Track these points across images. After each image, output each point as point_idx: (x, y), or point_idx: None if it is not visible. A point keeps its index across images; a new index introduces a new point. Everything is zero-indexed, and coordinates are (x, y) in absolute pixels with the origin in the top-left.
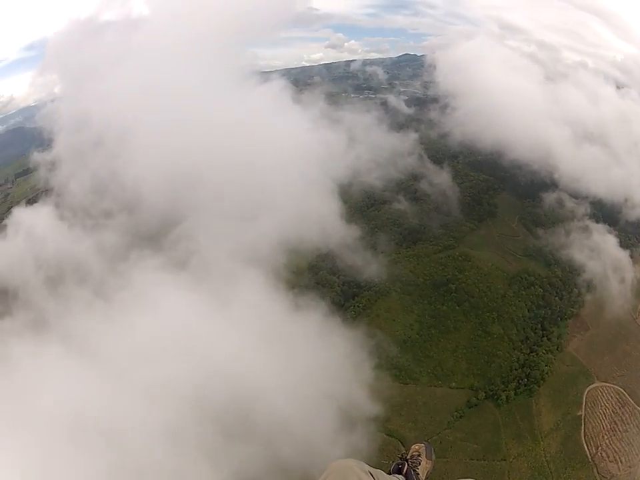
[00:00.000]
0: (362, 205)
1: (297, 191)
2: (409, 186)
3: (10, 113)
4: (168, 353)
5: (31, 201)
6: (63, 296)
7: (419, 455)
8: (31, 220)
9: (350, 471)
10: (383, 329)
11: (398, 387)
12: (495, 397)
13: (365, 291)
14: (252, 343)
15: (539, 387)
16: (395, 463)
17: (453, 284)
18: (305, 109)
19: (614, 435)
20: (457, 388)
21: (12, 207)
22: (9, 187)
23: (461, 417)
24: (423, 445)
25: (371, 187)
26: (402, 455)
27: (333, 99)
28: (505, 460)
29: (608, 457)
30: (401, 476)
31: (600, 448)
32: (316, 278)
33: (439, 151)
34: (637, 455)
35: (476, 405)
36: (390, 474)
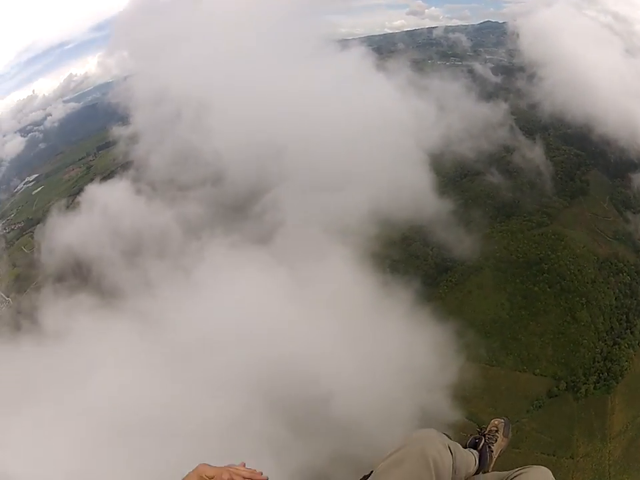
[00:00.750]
0: (454, 176)
1: (387, 160)
2: (501, 158)
3: (86, 90)
4: (239, 336)
5: (111, 174)
6: (139, 270)
7: (496, 431)
8: (108, 193)
9: (429, 442)
10: (474, 306)
11: (483, 368)
12: (575, 389)
13: (458, 265)
14: (332, 326)
15: (617, 383)
16: (472, 437)
17: (546, 264)
18: (390, 77)
19: None
20: (540, 375)
21: (94, 178)
22: (91, 159)
23: (540, 406)
24: (502, 420)
25: (463, 157)
26: (480, 429)
27: (418, 66)
28: (572, 458)
29: None
30: (475, 451)
31: None
32: (409, 250)
33: (529, 122)
34: None
35: (556, 396)
36: (465, 447)
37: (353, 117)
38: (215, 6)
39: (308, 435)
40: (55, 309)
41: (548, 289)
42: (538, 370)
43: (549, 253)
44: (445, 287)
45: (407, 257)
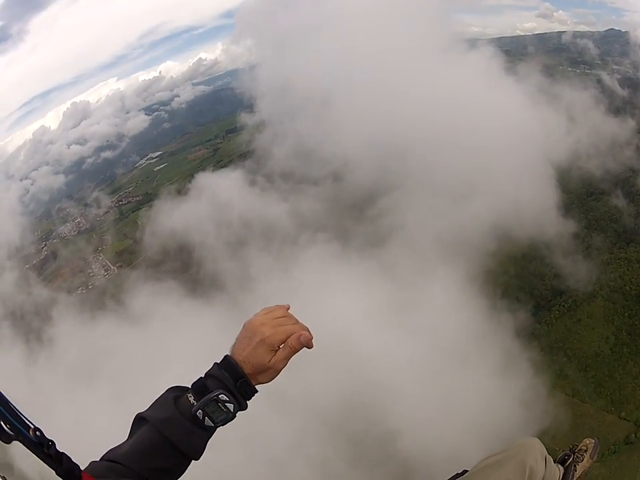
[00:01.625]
0: (580, 194)
1: (512, 170)
2: (626, 179)
3: (217, 74)
4: (320, 353)
5: (232, 161)
6: (240, 263)
7: (585, 451)
8: (220, 181)
9: (532, 450)
10: (581, 336)
11: (575, 404)
12: None
13: (572, 290)
14: (422, 357)
15: None
16: (562, 452)
17: None
18: (520, 81)
19: None
20: (624, 419)
21: (221, 160)
22: (219, 141)
23: (614, 452)
24: (593, 441)
25: (590, 174)
26: (572, 447)
27: (548, 72)
28: None
29: None
30: (562, 467)
31: None
32: (528, 268)
33: None
34: None
35: (632, 443)
36: (555, 462)
37: (479, 121)
38: (342, 0)
39: (367, 467)
40: (146, 292)
41: None
42: (624, 413)
43: None
44: (557, 312)
45: (524, 275)
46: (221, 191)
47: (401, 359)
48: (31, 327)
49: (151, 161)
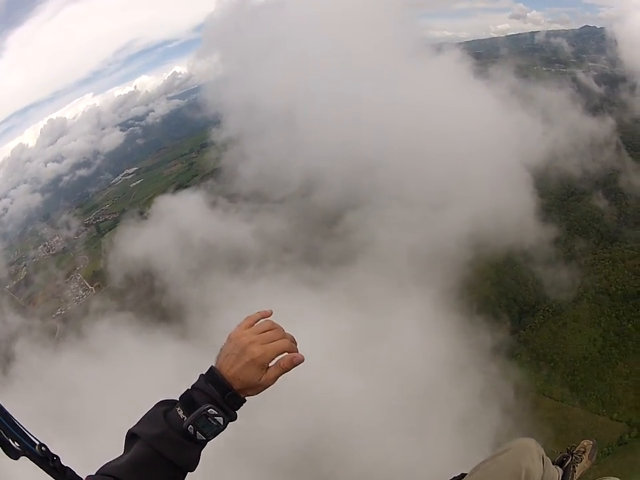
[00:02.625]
0: (560, 194)
1: (487, 176)
2: (607, 177)
3: (191, 87)
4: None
5: (205, 178)
6: (205, 288)
7: (583, 452)
8: (182, 203)
9: (528, 451)
10: (567, 340)
11: (565, 408)
12: None
13: (556, 294)
14: (397, 390)
15: None
16: (561, 454)
17: None
18: (492, 84)
19: None
20: (616, 420)
21: (196, 175)
22: (194, 155)
23: (609, 453)
24: (591, 442)
25: (569, 175)
26: (570, 448)
27: (522, 72)
28: None
29: None
30: (560, 469)
31: None
32: (511, 273)
33: (634, 137)
34: None
35: (625, 443)
36: (553, 463)
37: (451, 127)
38: (308, 7)
39: None
40: (107, 323)
41: None
42: (616, 414)
43: None
44: (542, 317)
45: (506, 282)
46: (182, 214)
47: (368, 398)
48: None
49: (127, 177)
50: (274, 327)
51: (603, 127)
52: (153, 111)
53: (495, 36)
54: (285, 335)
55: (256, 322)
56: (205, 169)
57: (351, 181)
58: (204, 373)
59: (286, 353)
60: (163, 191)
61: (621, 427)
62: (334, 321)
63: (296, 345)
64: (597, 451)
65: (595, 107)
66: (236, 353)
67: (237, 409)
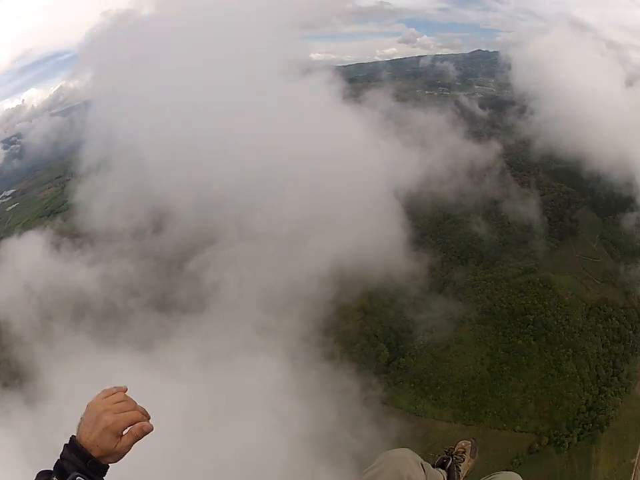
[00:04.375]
0: (435, 218)
1: (355, 206)
2: (487, 198)
3: (74, 104)
4: None
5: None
6: (47, 341)
7: (463, 452)
8: (25, 247)
9: (404, 461)
10: (452, 362)
11: (460, 428)
12: (558, 443)
13: (435, 318)
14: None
15: (602, 432)
16: (439, 457)
17: (532, 314)
18: (365, 108)
19: None
20: (521, 431)
21: (66, 200)
22: (67, 178)
23: (520, 463)
24: (469, 442)
25: (443, 200)
26: (448, 450)
27: (401, 96)
28: None
29: None
30: (443, 471)
31: None
32: (384, 301)
33: (518, 158)
34: None
35: (537, 452)
36: (434, 467)
37: (315, 155)
38: (185, 22)
39: None
40: None
41: (533, 342)
42: (519, 426)
43: (536, 302)
44: (421, 342)
45: (378, 311)
46: (26, 258)
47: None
48: None
49: (3, 200)
50: (126, 399)
51: (485, 151)
52: (34, 129)
53: (380, 59)
54: (135, 407)
55: (112, 394)
56: (67, 199)
57: (203, 216)
58: (67, 442)
59: (138, 423)
60: (39, 216)
61: (528, 437)
62: (176, 391)
63: (149, 418)
64: (477, 450)
65: (478, 131)
66: (93, 420)
67: (103, 475)
